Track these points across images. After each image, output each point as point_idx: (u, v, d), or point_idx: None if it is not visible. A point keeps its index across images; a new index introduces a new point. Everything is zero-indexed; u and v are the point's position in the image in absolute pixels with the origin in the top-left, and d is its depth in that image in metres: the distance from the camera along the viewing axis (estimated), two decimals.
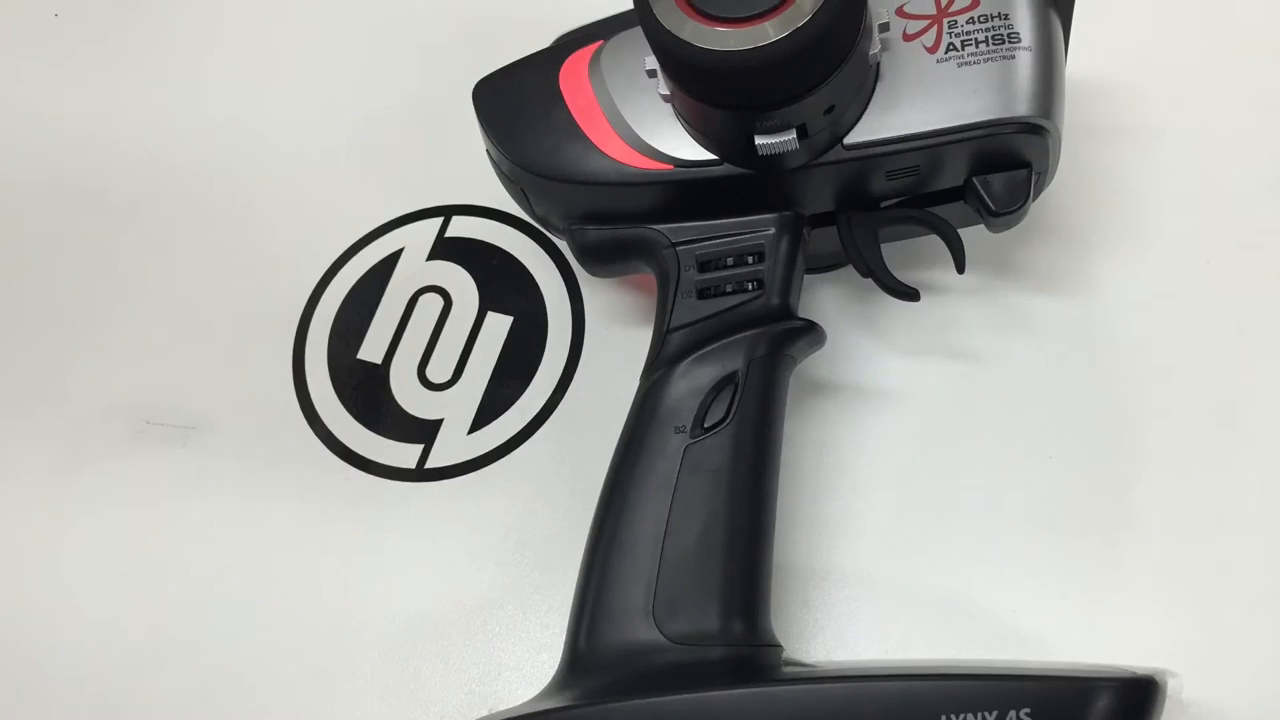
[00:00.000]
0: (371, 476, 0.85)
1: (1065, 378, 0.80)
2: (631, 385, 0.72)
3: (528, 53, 0.75)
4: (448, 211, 0.93)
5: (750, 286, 0.71)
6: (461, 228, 0.93)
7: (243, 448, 0.87)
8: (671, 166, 0.69)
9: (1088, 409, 0.80)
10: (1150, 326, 0.81)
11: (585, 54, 0.71)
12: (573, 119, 0.71)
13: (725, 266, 0.71)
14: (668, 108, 0.69)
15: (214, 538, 0.84)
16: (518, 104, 0.73)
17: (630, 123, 0.70)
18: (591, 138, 0.70)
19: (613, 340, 0.87)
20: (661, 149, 0.69)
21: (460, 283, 0.91)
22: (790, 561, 0.77)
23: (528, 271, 0.90)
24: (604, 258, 0.75)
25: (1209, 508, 0.76)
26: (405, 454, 0.86)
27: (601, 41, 0.71)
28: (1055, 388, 0.80)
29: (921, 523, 0.78)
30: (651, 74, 0.66)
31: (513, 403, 0.86)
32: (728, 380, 0.69)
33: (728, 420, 0.69)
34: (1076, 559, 0.76)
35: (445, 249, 0.92)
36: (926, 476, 0.79)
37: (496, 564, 0.81)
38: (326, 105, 1.00)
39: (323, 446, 0.86)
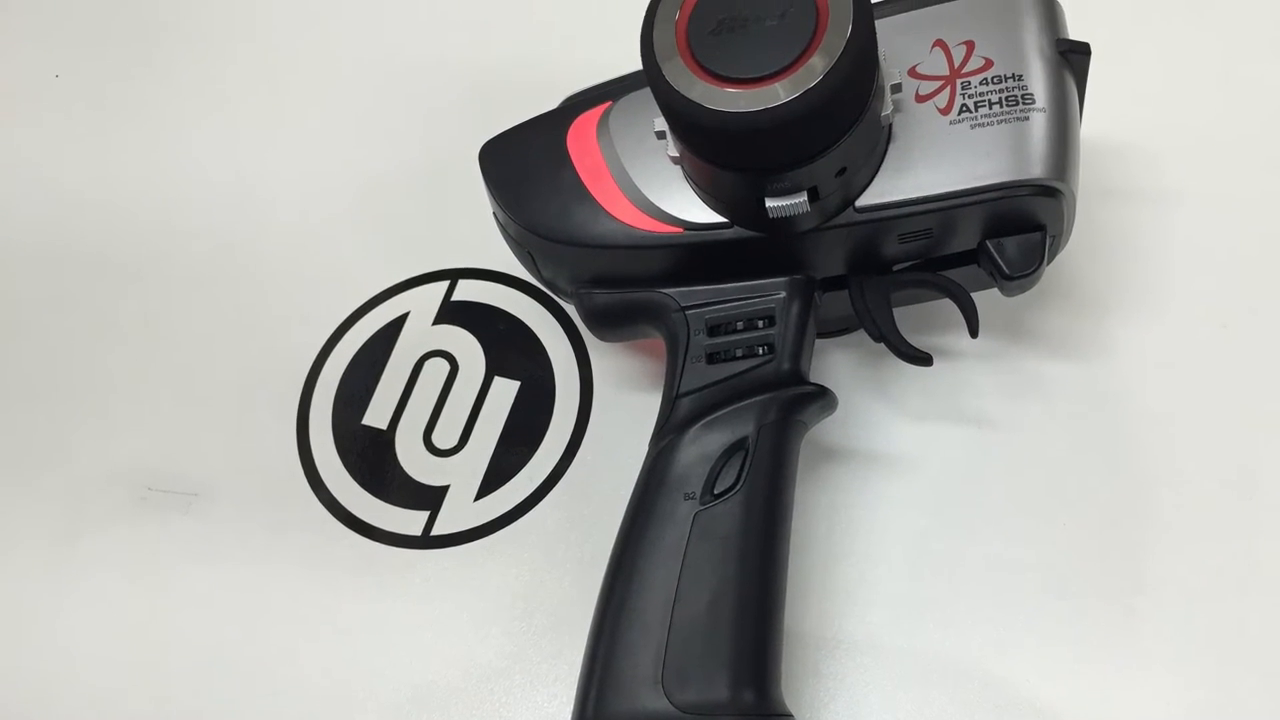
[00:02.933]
0: (376, 544, 0.84)
1: (1080, 443, 0.80)
2: (641, 450, 0.71)
3: (534, 114, 0.74)
4: (453, 275, 0.93)
5: (761, 351, 0.70)
6: (467, 291, 0.92)
7: (246, 514, 0.86)
8: (681, 230, 0.69)
9: (1103, 475, 0.79)
10: (1166, 391, 0.80)
11: (593, 115, 0.71)
12: (580, 181, 0.70)
13: (735, 331, 0.70)
14: (677, 170, 0.68)
15: (217, 606, 0.83)
16: (525, 166, 0.72)
17: (639, 185, 0.69)
18: (600, 200, 0.70)
19: (621, 405, 0.86)
20: (671, 212, 0.69)
21: (467, 347, 0.90)
22: (801, 629, 0.77)
23: (535, 336, 0.89)
24: (612, 322, 0.75)
25: (1226, 575, 0.76)
26: (411, 521, 0.85)
27: (610, 103, 0.71)
28: (1070, 453, 0.79)
29: (934, 590, 0.77)
30: (661, 135, 0.66)
31: (520, 468, 0.85)
32: (738, 446, 0.68)
33: (738, 487, 0.68)
34: (1091, 627, 0.75)
35: (451, 313, 0.91)
36: (939, 543, 0.79)
37: (504, 632, 0.80)
38: (330, 168, 1.00)
39: (327, 513, 0.85)
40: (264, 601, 0.83)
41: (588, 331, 0.76)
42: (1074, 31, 0.69)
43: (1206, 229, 0.85)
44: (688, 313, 0.71)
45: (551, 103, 0.74)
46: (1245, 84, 0.90)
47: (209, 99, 1.06)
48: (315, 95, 1.04)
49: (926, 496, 0.80)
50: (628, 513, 0.70)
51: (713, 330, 0.71)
